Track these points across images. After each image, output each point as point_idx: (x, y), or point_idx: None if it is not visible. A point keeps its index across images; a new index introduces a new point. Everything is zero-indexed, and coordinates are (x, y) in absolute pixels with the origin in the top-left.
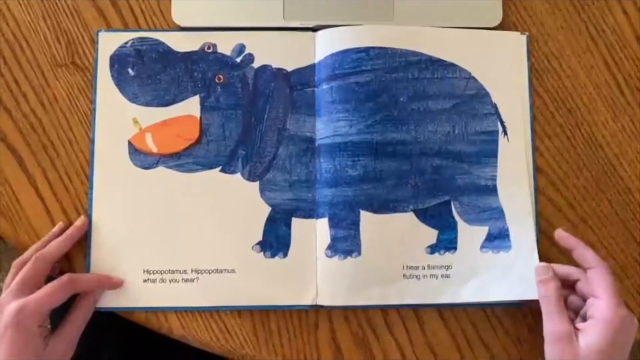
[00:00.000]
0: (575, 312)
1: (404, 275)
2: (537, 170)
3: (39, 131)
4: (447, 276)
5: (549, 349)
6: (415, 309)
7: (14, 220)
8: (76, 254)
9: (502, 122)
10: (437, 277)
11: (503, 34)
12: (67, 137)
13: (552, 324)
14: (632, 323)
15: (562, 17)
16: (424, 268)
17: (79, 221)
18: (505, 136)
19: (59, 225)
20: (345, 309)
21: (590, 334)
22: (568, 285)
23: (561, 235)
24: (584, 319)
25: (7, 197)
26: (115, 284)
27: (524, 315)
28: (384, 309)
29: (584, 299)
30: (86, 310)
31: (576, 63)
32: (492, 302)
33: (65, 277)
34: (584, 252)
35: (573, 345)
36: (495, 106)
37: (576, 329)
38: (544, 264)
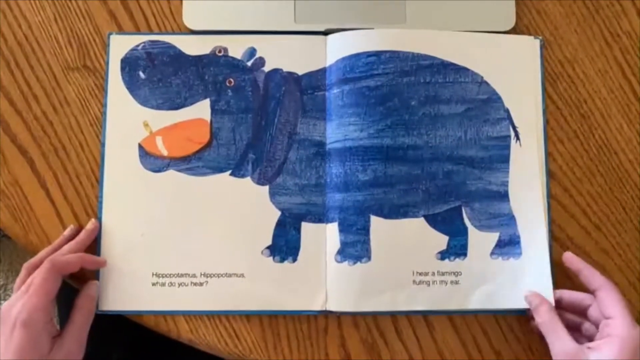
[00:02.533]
0: (589, 339)
1: (414, 281)
2: (550, 175)
3: (50, 134)
4: (457, 282)
5: None
6: (425, 315)
7: (24, 221)
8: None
9: (514, 127)
10: (446, 284)
11: (516, 38)
12: (78, 139)
13: (558, 344)
14: None
15: (576, 20)
16: (433, 274)
17: (90, 224)
18: (518, 141)
19: (70, 228)
20: (354, 314)
21: (604, 350)
22: (580, 312)
23: (568, 257)
24: (597, 338)
25: (18, 199)
26: (98, 262)
27: None
28: (394, 315)
29: (597, 325)
30: (86, 309)
31: (590, 67)
32: (502, 310)
33: (46, 263)
34: (591, 274)
35: None
36: (507, 111)
37: (588, 348)
38: (529, 293)
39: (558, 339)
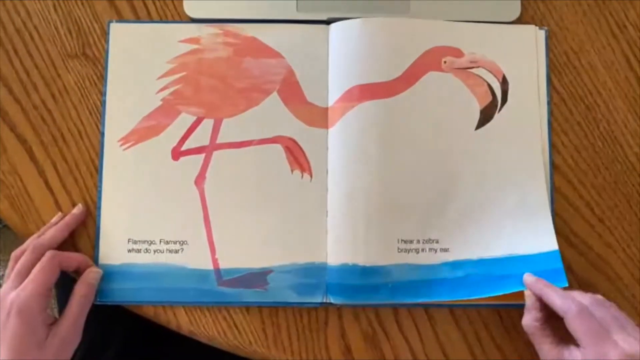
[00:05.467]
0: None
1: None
2: (554, 167)
3: (49, 122)
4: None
5: None
6: (427, 307)
7: (23, 210)
8: (85, 247)
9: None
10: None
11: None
12: (77, 128)
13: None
14: None
15: (582, 11)
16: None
17: (77, 209)
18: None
19: (58, 215)
20: (355, 306)
21: None
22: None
23: (527, 280)
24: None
25: (17, 188)
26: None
27: None
28: (395, 308)
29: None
30: (84, 296)
31: (596, 59)
32: (504, 303)
33: (48, 253)
34: (551, 299)
35: None
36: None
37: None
38: (528, 292)
39: (541, 349)
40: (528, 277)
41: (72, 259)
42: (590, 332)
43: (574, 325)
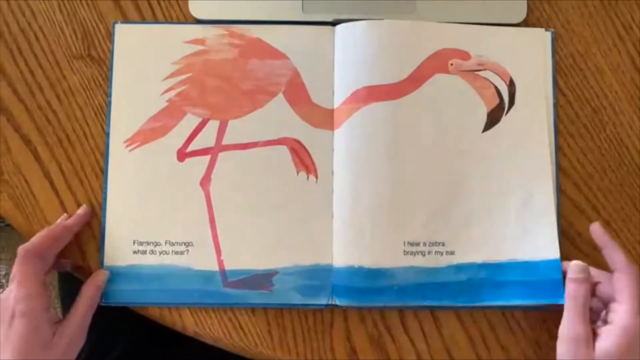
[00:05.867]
0: (597, 314)
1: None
2: (560, 170)
3: (54, 123)
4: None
5: (563, 349)
6: (432, 310)
7: (28, 211)
8: (90, 249)
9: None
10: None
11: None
12: (82, 129)
13: (572, 325)
14: None
15: (589, 13)
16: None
17: (81, 209)
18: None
19: (63, 216)
20: (360, 309)
21: (607, 339)
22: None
23: (595, 230)
24: (605, 323)
25: (22, 189)
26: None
27: (544, 319)
28: (401, 310)
29: (604, 303)
30: (90, 297)
31: (602, 61)
32: (510, 305)
33: (19, 251)
34: (613, 253)
35: (589, 349)
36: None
37: (594, 333)
38: (581, 262)
39: (575, 321)
40: (596, 227)
41: (40, 240)
42: (636, 292)
43: (627, 280)
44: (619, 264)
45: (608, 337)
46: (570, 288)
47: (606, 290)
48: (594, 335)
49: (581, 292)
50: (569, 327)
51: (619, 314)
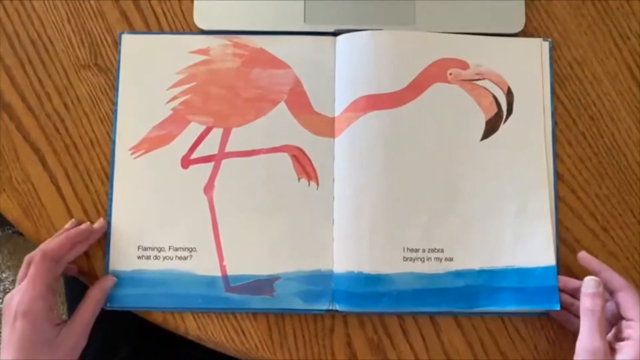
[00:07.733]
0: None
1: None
2: (558, 177)
3: (61, 131)
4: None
5: None
6: (432, 315)
7: (35, 217)
8: (96, 254)
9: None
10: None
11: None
12: (89, 137)
13: (591, 339)
14: None
15: (586, 22)
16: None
17: (98, 223)
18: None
19: (71, 222)
20: (360, 314)
21: (628, 354)
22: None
23: (583, 257)
24: (617, 339)
25: (29, 195)
26: (92, 231)
27: (542, 325)
28: (400, 316)
29: (609, 321)
30: (96, 302)
31: (599, 70)
32: (509, 312)
33: (37, 252)
34: (609, 276)
35: None
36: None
37: (612, 349)
38: (595, 278)
39: (593, 335)
40: (584, 255)
41: (61, 245)
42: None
43: (632, 298)
44: (620, 283)
45: (629, 351)
46: (587, 303)
47: (609, 307)
48: (613, 351)
49: (598, 307)
50: (587, 342)
51: (636, 329)
